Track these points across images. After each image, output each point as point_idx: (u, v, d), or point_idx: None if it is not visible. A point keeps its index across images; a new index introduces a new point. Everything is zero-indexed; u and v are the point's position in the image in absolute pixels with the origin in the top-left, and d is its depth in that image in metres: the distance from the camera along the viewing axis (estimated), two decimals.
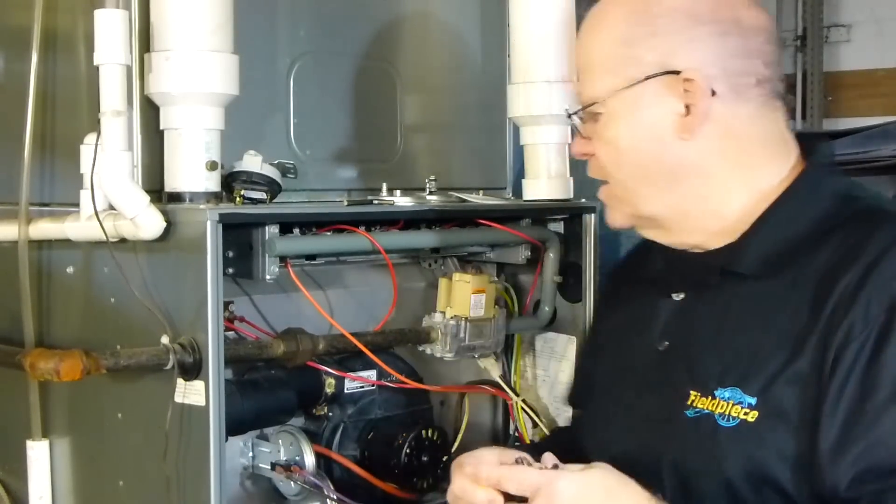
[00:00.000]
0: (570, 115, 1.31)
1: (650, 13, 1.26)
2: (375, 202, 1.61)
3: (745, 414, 1.18)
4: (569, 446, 1.44)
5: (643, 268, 1.43)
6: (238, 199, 1.45)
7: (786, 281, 1.22)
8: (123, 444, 1.48)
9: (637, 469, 1.25)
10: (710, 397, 1.22)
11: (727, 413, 1.20)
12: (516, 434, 1.85)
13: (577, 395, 1.56)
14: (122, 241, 1.42)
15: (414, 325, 1.73)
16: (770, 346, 1.20)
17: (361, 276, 1.76)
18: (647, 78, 1.24)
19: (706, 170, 1.27)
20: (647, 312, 1.35)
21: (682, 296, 1.32)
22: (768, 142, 1.29)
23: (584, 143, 1.30)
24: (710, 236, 1.30)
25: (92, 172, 1.39)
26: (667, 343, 1.30)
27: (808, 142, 1.32)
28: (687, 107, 1.24)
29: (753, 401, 1.18)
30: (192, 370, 1.35)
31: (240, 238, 1.45)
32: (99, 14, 1.37)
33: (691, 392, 1.23)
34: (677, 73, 1.24)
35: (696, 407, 1.23)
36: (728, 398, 1.20)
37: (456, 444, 1.68)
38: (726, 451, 1.19)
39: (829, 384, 1.14)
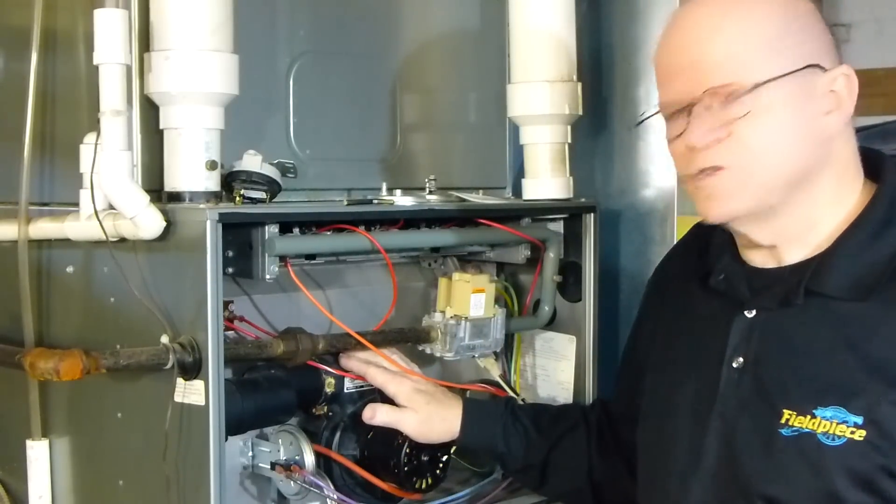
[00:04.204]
0: (696, 96, 1.25)
1: (798, 10, 1.28)
2: (375, 202, 1.61)
3: (852, 433, 1.20)
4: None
5: (692, 274, 1.43)
6: (238, 198, 1.45)
7: (877, 304, 1.23)
8: (123, 443, 1.48)
9: (727, 486, 1.27)
10: (808, 416, 1.22)
11: (831, 432, 1.21)
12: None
13: (635, 408, 1.51)
14: (122, 240, 1.42)
15: (414, 324, 1.73)
16: (870, 369, 1.21)
17: (361, 275, 1.76)
18: (805, 67, 1.24)
19: (825, 175, 1.28)
20: (713, 327, 1.35)
21: (753, 312, 1.31)
22: (855, 156, 1.32)
23: (713, 128, 1.24)
24: (795, 246, 1.30)
25: (92, 172, 1.39)
26: (741, 360, 1.30)
27: (872, 158, 1.33)
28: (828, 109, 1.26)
29: (860, 420, 1.20)
30: (192, 370, 1.35)
31: (239, 238, 1.45)
32: (98, 14, 1.37)
33: (785, 411, 1.24)
34: (824, 69, 1.26)
35: (792, 426, 1.23)
36: (831, 417, 1.21)
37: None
38: (834, 469, 1.20)
39: None
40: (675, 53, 1.28)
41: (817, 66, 1.25)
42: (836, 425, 1.21)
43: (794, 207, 1.28)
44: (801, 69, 1.24)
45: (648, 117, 1.34)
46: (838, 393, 1.22)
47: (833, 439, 1.21)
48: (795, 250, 1.31)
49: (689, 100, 1.25)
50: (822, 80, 1.26)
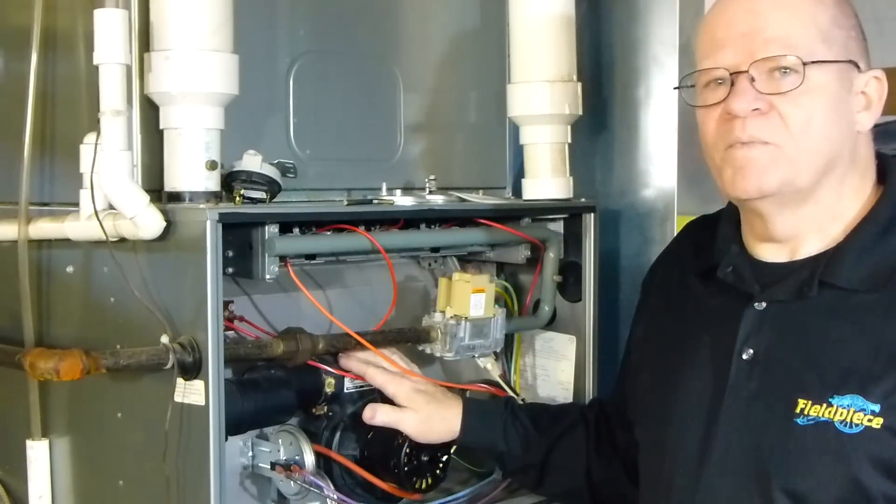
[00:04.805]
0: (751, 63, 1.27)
1: (846, 9, 1.31)
2: (375, 202, 1.61)
3: (870, 420, 1.21)
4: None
5: (690, 272, 1.43)
6: (238, 198, 1.45)
7: (891, 295, 1.25)
8: (123, 443, 1.48)
9: (742, 479, 1.27)
10: (824, 405, 1.23)
11: (848, 420, 1.22)
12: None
13: (637, 400, 1.53)
14: (122, 240, 1.42)
15: (414, 324, 1.73)
16: (887, 357, 1.22)
17: (361, 275, 1.76)
18: (848, 62, 1.28)
19: (850, 169, 1.31)
20: (720, 321, 1.35)
21: (764, 304, 1.32)
22: (872, 158, 1.35)
23: (759, 98, 1.26)
24: (813, 238, 1.32)
25: (92, 172, 1.39)
26: (752, 351, 1.31)
27: (878, 162, 1.36)
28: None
29: (877, 408, 1.21)
30: (192, 370, 1.35)
31: (239, 237, 1.45)
32: (98, 14, 1.37)
33: (800, 400, 1.25)
34: (860, 69, 1.30)
35: (808, 415, 1.24)
36: (848, 405, 1.22)
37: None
38: (856, 456, 1.21)
39: None
40: (729, 23, 1.30)
41: (856, 64, 1.29)
42: (853, 413, 1.22)
43: (820, 196, 1.30)
44: (844, 62, 1.28)
45: (688, 86, 1.35)
46: (855, 381, 1.23)
47: (850, 427, 1.22)
48: (812, 243, 1.32)
49: (734, 69, 1.28)
50: (858, 80, 1.30)
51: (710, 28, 1.32)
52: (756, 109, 1.26)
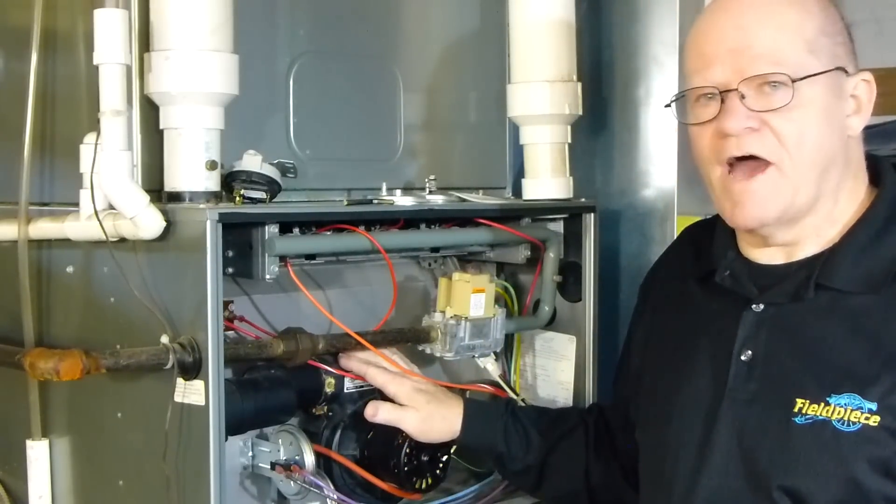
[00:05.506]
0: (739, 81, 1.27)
1: (831, 14, 1.31)
2: (375, 202, 1.61)
3: (867, 419, 1.22)
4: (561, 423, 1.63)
5: (689, 276, 1.44)
6: (238, 198, 1.45)
7: (888, 296, 1.26)
8: (123, 443, 1.48)
9: (741, 480, 1.28)
10: (822, 404, 1.24)
11: (846, 418, 1.23)
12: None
13: (630, 417, 1.55)
14: (122, 240, 1.42)
15: (414, 324, 1.73)
16: (884, 358, 1.23)
17: (361, 275, 1.76)
18: (836, 69, 1.28)
19: (845, 174, 1.32)
20: (718, 324, 1.36)
21: (761, 307, 1.33)
22: (863, 159, 1.35)
23: (751, 115, 1.26)
24: (811, 242, 1.32)
25: (92, 172, 1.39)
26: (750, 353, 1.32)
27: (870, 162, 1.37)
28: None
29: (874, 406, 1.22)
30: (192, 370, 1.35)
31: (239, 237, 1.45)
32: (98, 14, 1.37)
33: (798, 400, 1.26)
34: (848, 73, 1.30)
35: (806, 414, 1.25)
36: (845, 404, 1.23)
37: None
38: (852, 453, 1.22)
39: None
40: (716, 39, 1.30)
41: (844, 69, 1.29)
42: (850, 411, 1.23)
43: (818, 206, 1.31)
44: (832, 70, 1.28)
45: (675, 99, 1.35)
46: (853, 381, 1.24)
47: (848, 425, 1.22)
48: (809, 245, 1.33)
49: (724, 86, 1.28)
50: (847, 84, 1.30)
51: (698, 43, 1.32)
52: (748, 127, 1.27)
